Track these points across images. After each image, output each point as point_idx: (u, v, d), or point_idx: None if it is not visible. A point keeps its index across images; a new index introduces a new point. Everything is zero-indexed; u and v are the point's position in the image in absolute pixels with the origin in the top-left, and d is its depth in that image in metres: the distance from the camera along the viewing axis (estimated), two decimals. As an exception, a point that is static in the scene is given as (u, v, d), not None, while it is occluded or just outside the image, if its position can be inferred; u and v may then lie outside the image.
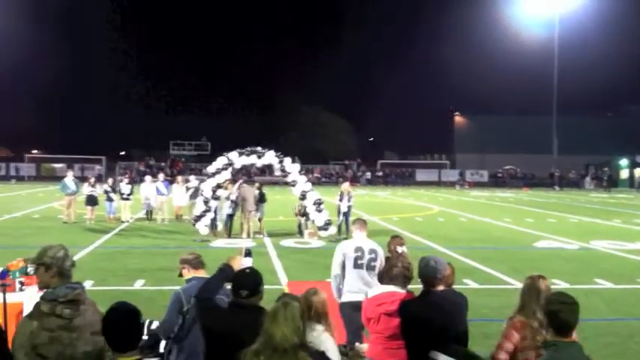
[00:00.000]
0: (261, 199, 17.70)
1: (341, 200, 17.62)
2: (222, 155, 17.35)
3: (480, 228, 20.58)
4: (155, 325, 5.86)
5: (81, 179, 25.76)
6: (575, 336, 3.48)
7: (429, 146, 74.66)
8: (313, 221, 17.11)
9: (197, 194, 17.63)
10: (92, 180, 20.92)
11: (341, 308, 6.40)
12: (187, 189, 20.16)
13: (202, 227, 16.57)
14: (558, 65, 55.53)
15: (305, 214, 17.36)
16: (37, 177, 53.15)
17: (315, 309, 4.03)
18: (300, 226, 17.71)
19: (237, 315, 3.76)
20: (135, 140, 72.90)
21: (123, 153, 72.16)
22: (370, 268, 6.40)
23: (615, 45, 64.31)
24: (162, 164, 56.68)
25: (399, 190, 48.89)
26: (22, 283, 6.10)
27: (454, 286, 4.97)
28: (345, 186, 18.30)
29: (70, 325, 3.42)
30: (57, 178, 41.43)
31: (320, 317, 4.06)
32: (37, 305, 3.49)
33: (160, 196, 20.61)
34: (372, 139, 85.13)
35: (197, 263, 5.04)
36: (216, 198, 16.99)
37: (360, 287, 6.23)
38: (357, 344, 5.02)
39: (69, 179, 20.24)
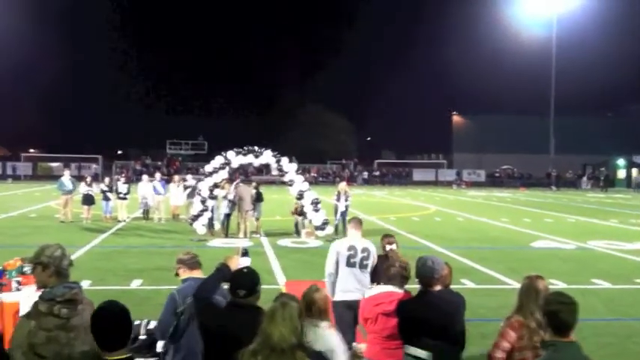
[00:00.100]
0: (258, 198, 17.68)
1: (338, 200, 17.62)
2: (219, 154, 17.33)
3: (477, 228, 20.59)
4: (153, 324, 5.85)
5: (78, 178, 25.69)
6: (573, 336, 3.48)
7: (427, 146, 74.80)
8: (310, 221, 17.10)
9: (194, 194, 17.59)
10: (89, 179, 20.88)
11: (333, 307, 6.43)
12: (185, 188, 20.12)
13: (199, 227, 16.55)
14: (556, 65, 55.69)
15: (302, 213, 17.35)
16: (34, 176, 53.04)
17: (317, 306, 4.03)
18: (297, 225, 17.69)
19: (234, 315, 3.76)
20: (132, 140, 73.01)
21: (119, 152, 72.11)
22: (363, 266, 6.49)
23: (613, 45, 64.52)
24: (159, 163, 56.62)
25: (396, 189, 48.91)
26: (18, 283, 6.07)
27: (451, 286, 4.97)
28: (342, 185, 18.30)
29: (68, 324, 3.42)
30: (54, 177, 41.41)
31: (322, 314, 4.06)
32: (35, 305, 3.48)
33: (157, 195, 20.58)
34: (369, 138, 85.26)
35: (193, 264, 5.03)
36: (214, 197, 16.96)
37: (354, 285, 6.38)
38: (354, 344, 5.03)
39: (66, 178, 20.19)
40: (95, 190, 20.43)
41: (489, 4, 66.52)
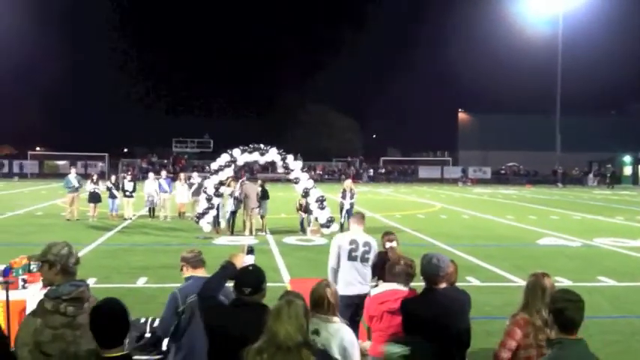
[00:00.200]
0: (263, 196, 17.69)
1: (343, 197, 17.63)
2: (225, 152, 17.35)
3: (482, 225, 20.56)
4: (157, 322, 5.87)
5: (84, 176, 25.78)
6: (579, 334, 3.47)
7: (432, 143, 74.82)
8: (316, 218, 17.11)
9: (200, 191, 17.62)
10: (95, 177, 20.94)
11: None
12: (190, 186, 20.15)
13: (205, 224, 16.58)
14: (562, 63, 55.42)
15: (307, 211, 17.36)
16: (40, 174, 53.25)
17: (328, 301, 4.00)
18: (302, 222, 17.71)
19: (240, 312, 3.75)
20: (137, 138, 73.16)
21: (125, 150, 72.27)
22: (364, 260, 6.56)
23: (619, 43, 64.28)
24: (165, 161, 56.73)
25: (401, 187, 48.86)
26: (24, 281, 6.10)
27: (457, 284, 4.95)
28: (348, 183, 18.29)
29: (74, 322, 3.43)
30: (60, 175, 41.57)
31: (333, 309, 4.04)
32: (41, 303, 3.49)
33: (162, 193, 20.63)
34: (374, 136, 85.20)
35: (196, 262, 5.01)
36: (219, 195, 16.99)
37: (356, 278, 6.49)
38: (359, 342, 5.02)
39: (72, 176, 20.24)
40: (101, 188, 20.50)
41: (495, 2, 66.36)
